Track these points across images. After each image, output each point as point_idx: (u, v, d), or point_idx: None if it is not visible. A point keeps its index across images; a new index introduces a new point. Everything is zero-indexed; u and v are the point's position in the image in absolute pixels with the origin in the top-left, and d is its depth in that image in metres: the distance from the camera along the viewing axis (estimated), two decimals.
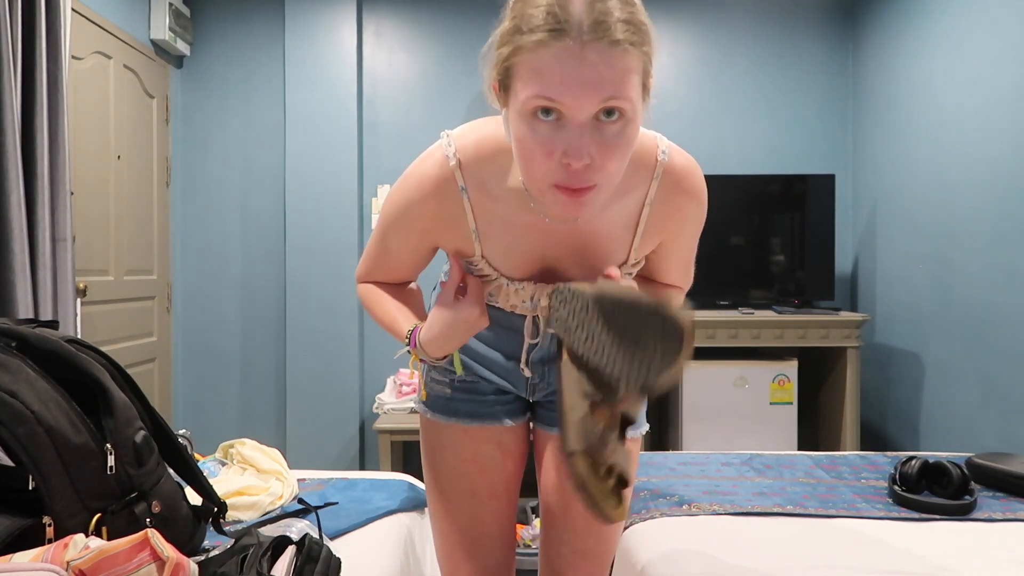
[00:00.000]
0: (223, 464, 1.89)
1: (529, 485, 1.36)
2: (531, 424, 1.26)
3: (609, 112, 0.78)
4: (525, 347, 1.13)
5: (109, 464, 1.08)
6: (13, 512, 1.02)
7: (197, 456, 1.85)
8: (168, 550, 0.93)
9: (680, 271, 1.14)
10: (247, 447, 1.83)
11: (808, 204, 3.35)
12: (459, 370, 1.13)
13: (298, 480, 1.86)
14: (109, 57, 3.00)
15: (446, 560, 1.24)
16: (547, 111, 0.78)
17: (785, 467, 1.99)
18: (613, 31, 0.76)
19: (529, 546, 2.55)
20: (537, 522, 2.55)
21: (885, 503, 1.70)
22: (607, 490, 0.89)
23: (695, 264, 1.20)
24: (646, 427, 1.23)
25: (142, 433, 1.14)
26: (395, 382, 3.34)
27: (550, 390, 1.18)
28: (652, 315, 0.81)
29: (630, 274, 1.09)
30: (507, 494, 1.22)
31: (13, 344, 1.10)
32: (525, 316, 1.11)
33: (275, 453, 1.83)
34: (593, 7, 0.76)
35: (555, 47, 0.74)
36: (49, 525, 1.02)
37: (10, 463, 1.06)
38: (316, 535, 1.32)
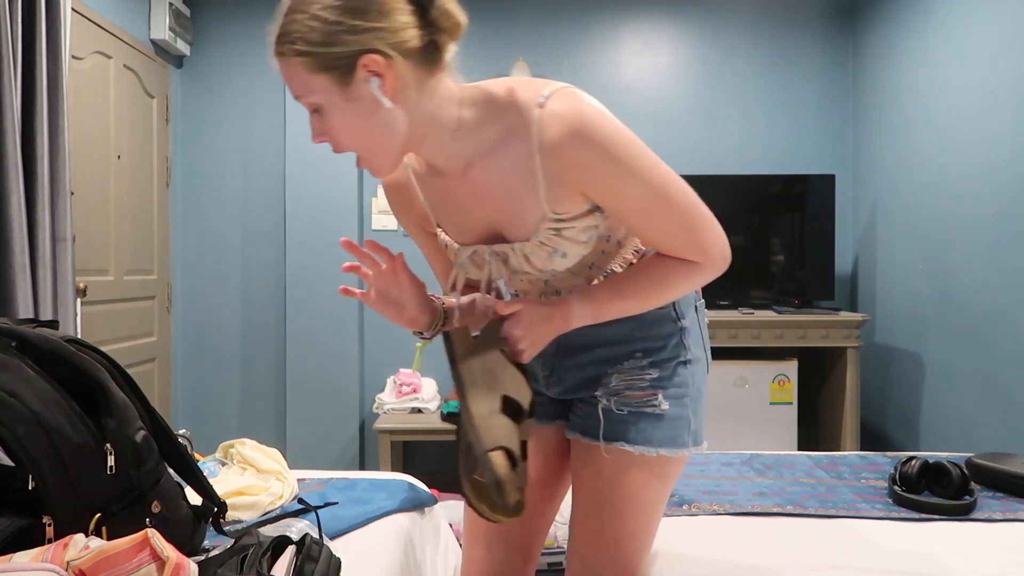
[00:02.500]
0: (223, 464, 1.89)
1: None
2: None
3: (307, 105, 0.94)
4: None
5: (109, 464, 1.08)
6: (13, 512, 1.02)
7: (197, 456, 1.85)
8: (168, 550, 0.93)
9: (668, 238, 1.00)
10: (247, 447, 1.83)
11: (808, 204, 3.35)
12: (413, 367, 1.17)
13: (298, 480, 1.86)
14: (109, 57, 3.00)
15: (465, 545, 1.29)
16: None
17: (785, 467, 1.99)
18: (276, 47, 0.93)
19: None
20: None
21: (885, 503, 1.70)
22: (516, 495, 0.97)
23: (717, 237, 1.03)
24: (704, 444, 1.19)
25: (142, 433, 1.14)
26: (395, 382, 3.34)
27: (564, 386, 1.18)
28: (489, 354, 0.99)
29: (556, 230, 1.00)
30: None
31: (13, 344, 1.10)
32: None
33: (275, 453, 1.83)
34: (279, 25, 0.93)
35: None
36: (49, 525, 1.02)
37: (10, 463, 1.06)
38: (316, 535, 1.32)
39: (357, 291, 1.08)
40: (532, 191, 0.98)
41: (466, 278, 1.13)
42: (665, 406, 1.11)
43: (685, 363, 1.14)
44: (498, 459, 0.96)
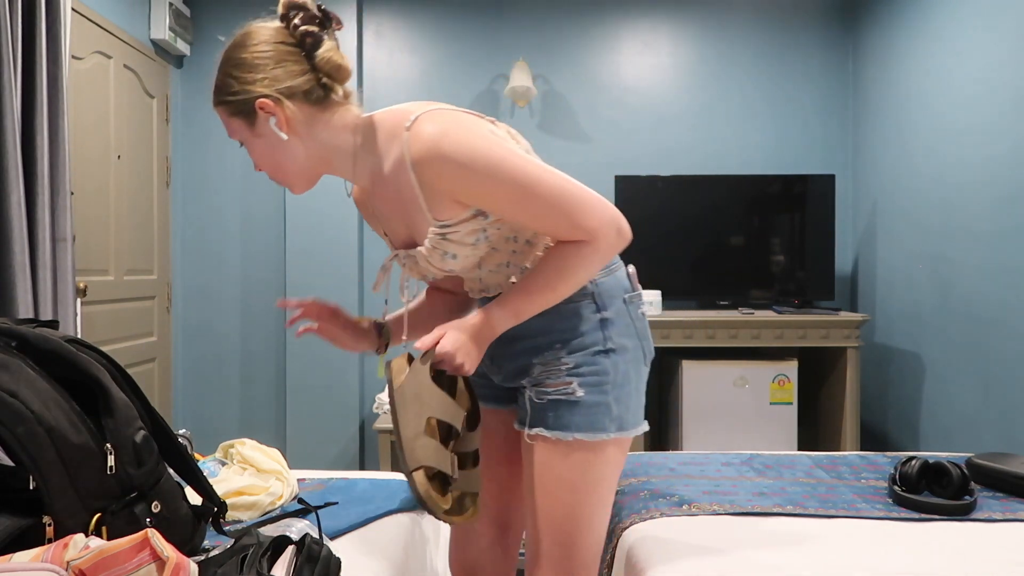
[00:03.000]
0: (223, 464, 1.89)
1: None
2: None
3: (239, 142, 1.17)
4: (406, 317, 1.36)
5: (109, 464, 1.08)
6: (13, 512, 1.02)
7: (197, 456, 1.85)
8: (168, 550, 0.93)
9: (548, 224, 1.11)
10: (247, 447, 1.83)
11: (808, 204, 3.36)
12: (379, 373, 1.29)
13: (298, 480, 1.86)
14: (109, 57, 3.00)
15: None
16: None
17: (785, 467, 1.99)
18: (213, 99, 1.16)
19: None
20: None
21: (885, 503, 1.70)
22: (445, 504, 1.12)
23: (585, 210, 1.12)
24: (645, 426, 1.27)
25: (142, 433, 1.14)
26: None
27: (503, 375, 1.31)
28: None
29: (441, 235, 1.14)
30: (488, 470, 1.38)
31: (13, 344, 1.10)
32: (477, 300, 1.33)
33: (275, 453, 1.83)
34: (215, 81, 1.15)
35: None
36: (49, 525, 1.02)
37: (10, 463, 1.06)
38: (316, 535, 1.32)
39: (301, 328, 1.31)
40: (416, 203, 1.13)
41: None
42: (580, 393, 1.19)
43: (606, 352, 1.21)
44: (419, 478, 1.09)
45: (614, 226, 1.11)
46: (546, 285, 1.12)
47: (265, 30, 1.12)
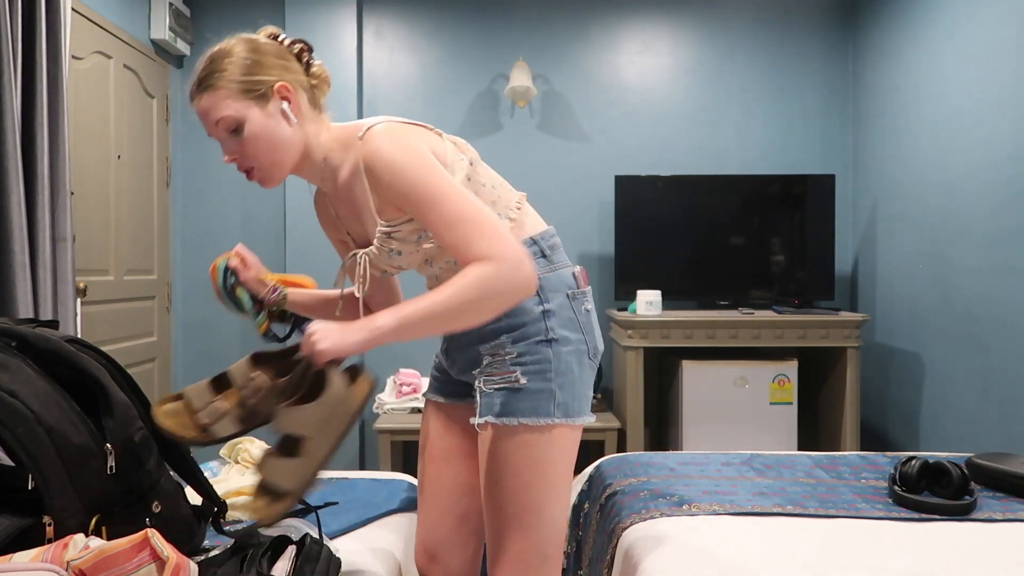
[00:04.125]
0: (224, 463, 1.89)
1: None
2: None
3: (228, 127, 1.20)
4: (360, 309, 1.40)
5: (109, 464, 1.08)
6: (13, 512, 1.02)
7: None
8: (168, 550, 0.93)
9: (447, 239, 1.15)
10: (255, 446, 1.83)
11: (808, 204, 3.36)
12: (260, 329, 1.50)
13: None
14: (109, 57, 3.00)
15: (418, 506, 1.50)
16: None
17: (785, 467, 1.99)
18: (204, 82, 1.20)
19: None
20: None
21: (885, 503, 1.70)
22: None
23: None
24: (591, 417, 1.33)
25: (141, 433, 1.14)
26: (395, 382, 3.34)
27: (457, 368, 1.38)
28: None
29: (387, 234, 1.24)
30: (446, 461, 1.44)
31: (13, 344, 1.10)
32: None
33: None
34: (201, 73, 1.20)
35: (195, 106, 1.23)
36: (49, 525, 1.02)
37: (10, 463, 1.06)
38: (316, 535, 1.32)
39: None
40: (367, 206, 1.24)
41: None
42: (523, 381, 1.24)
43: (548, 342, 1.26)
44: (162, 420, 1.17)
45: (513, 258, 1.13)
46: (447, 303, 1.13)
47: (263, 38, 1.26)
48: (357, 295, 1.36)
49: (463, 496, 1.44)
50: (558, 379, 1.25)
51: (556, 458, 1.27)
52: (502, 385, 1.25)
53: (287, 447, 1.11)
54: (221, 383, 1.21)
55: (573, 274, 1.32)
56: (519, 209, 1.31)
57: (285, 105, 1.22)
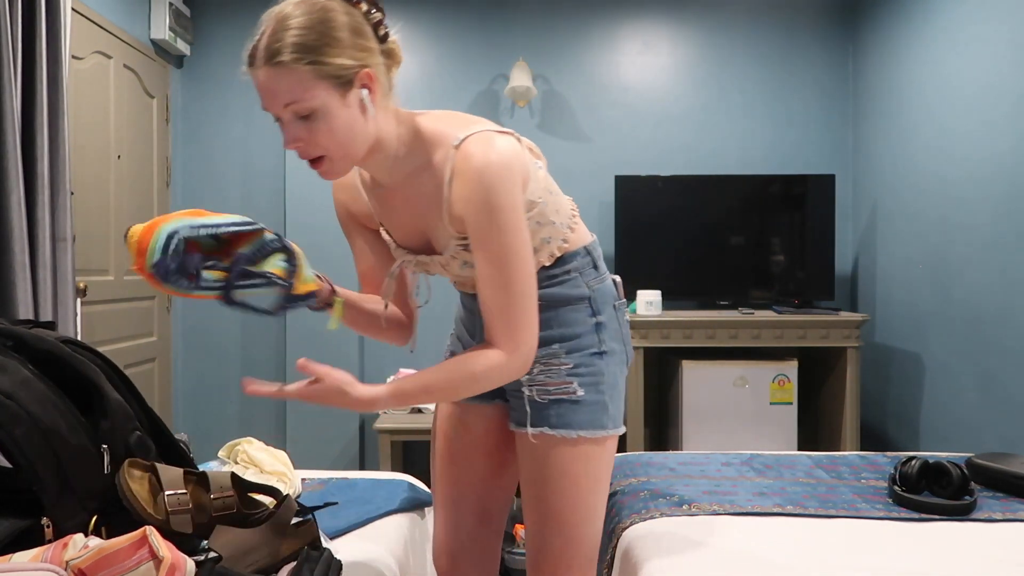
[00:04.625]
0: (224, 464, 1.89)
1: None
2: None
3: (299, 113, 1.04)
4: (414, 319, 1.36)
5: (106, 464, 1.08)
6: (12, 513, 1.02)
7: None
8: (164, 549, 0.93)
9: (492, 306, 1.11)
10: (254, 447, 1.82)
11: (808, 204, 3.35)
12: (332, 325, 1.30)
13: (300, 480, 1.85)
14: (109, 57, 3.00)
15: (434, 508, 1.46)
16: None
17: (785, 467, 1.99)
18: (272, 57, 1.02)
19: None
20: None
21: (885, 503, 1.70)
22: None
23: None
24: (623, 428, 1.31)
25: (137, 434, 1.14)
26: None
27: None
28: None
29: (463, 246, 1.16)
30: (466, 462, 1.40)
31: (9, 344, 1.10)
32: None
33: (282, 455, 1.82)
34: (268, 40, 1.03)
35: (252, 74, 1.05)
36: (48, 526, 1.02)
37: (8, 465, 1.06)
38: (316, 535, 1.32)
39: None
40: (438, 213, 1.16)
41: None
42: (581, 392, 1.24)
43: (600, 354, 1.26)
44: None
45: (525, 358, 1.12)
46: (446, 386, 1.13)
47: (343, 6, 1.06)
48: (413, 303, 1.30)
49: (484, 496, 1.42)
50: (609, 391, 1.26)
51: (605, 468, 1.28)
52: (559, 396, 1.24)
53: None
54: (194, 477, 1.20)
55: (614, 282, 1.32)
56: (574, 218, 1.28)
57: (365, 94, 1.07)
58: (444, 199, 1.13)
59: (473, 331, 1.36)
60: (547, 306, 1.24)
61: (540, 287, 1.21)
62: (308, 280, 1.23)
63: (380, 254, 1.35)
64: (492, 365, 1.11)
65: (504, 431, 1.38)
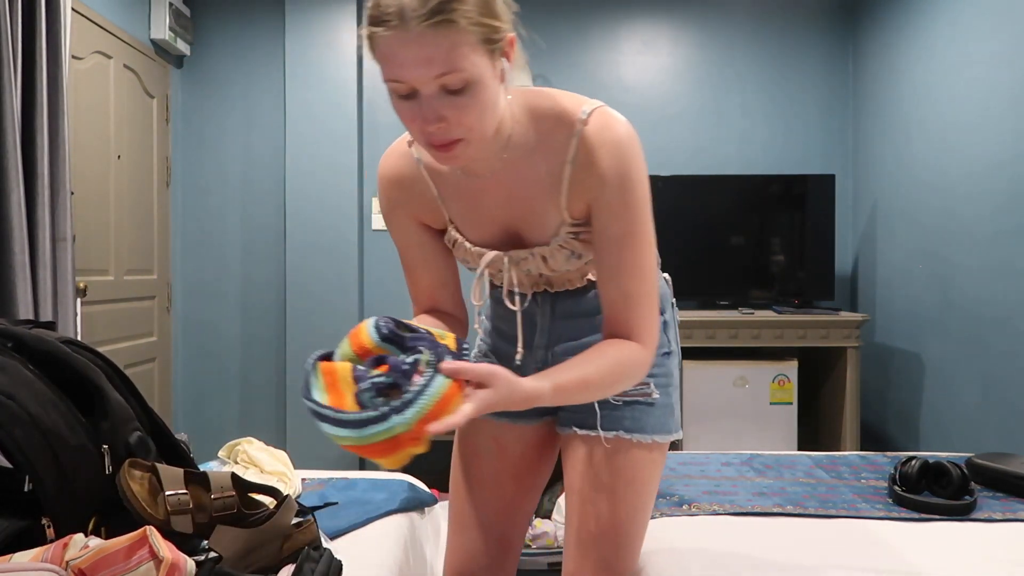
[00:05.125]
0: (223, 464, 1.89)
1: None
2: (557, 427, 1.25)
3: (452, 85, 0.86)
4: (519, 326, 1.16)
5: (107, 465, 1.08)
6: (12, 513, 1.02)
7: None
8: (164, 549, 0.93)
9: (622, 286, 1.00)
10: (254, 446, 1.82)
11: (808, 204, 3.35)
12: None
13: (300, 480, 1.85)
14: (109, 57, 3.00)
15: (448, 532, 1.34)
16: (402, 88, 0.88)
17: (785, 467, 1.99)
18: (437, 13, 0.83)
19: (529, 546, 2.55)
20: (538, 523, 2.55)
21: (885, 503, 1.70)
22: None
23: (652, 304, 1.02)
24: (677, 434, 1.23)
25: (137, 434, 1.14)
26: None
27: None
28: None
29: (574, 235, 1.05)
30: (496, 486, 1.28)
31: (9, 344, 1.10)
32: (527, 297, 1.18)
33: (282, 455, 1.82)
34: None
35: (391, 35, 0.84)
36: (48, 526, 1.02)
37: (8, 465, 1.06)
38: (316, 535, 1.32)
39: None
40: (555, 198, 1.03)
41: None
42: (656, 395, 1.17)
43: (668, 354, 1.20)
44: None
45: (654, 349, 1.03)
46: (601, 381, 1.00)
47: None
48: (514, 307, 1.14)
49: (508, 521, 1.32)
50: (675, 392, 1.21)
51: (661, 471, 1.22)
52: (636, 398, 1.16)
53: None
54: (195, 477, 1.19)
55: (666, 279, 1.26)
56: None
57: (506, 64, 0.92)
58: (563, 180, 1.01)
59: (513, 339, 1.19)
60: None
61: None
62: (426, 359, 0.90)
63: (438, 260, 1.17)
64: (637, 360, 1.01)
65: (540, 452, 1.29)
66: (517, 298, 1.14)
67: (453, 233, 1.14)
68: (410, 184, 1.11)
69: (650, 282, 1.02)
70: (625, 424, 1.15)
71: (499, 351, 1.27)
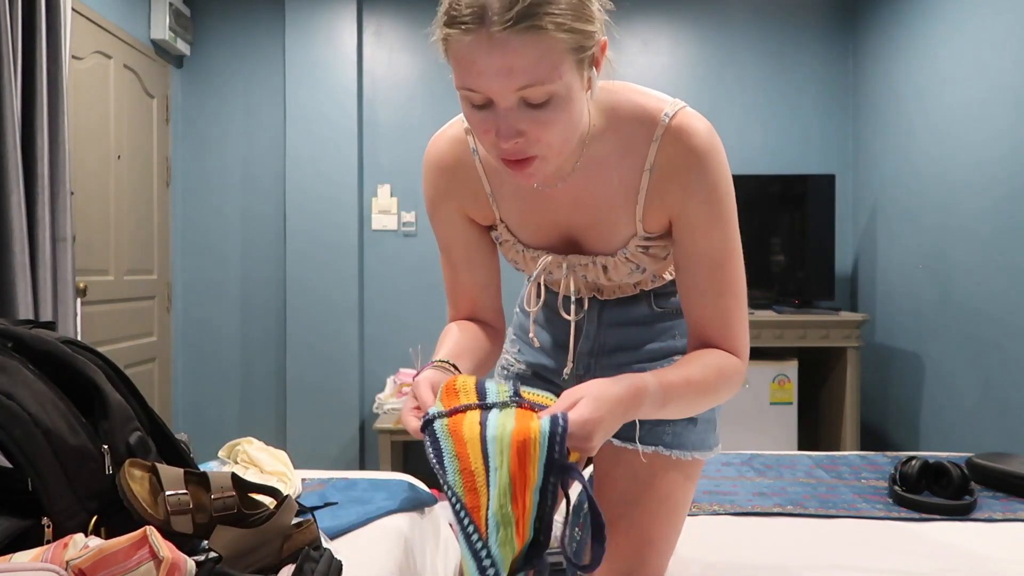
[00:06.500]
0: (223, 464, 1.88)
1: None
2: None
3: (536, 98, 0.78)
4: (572, 335, 1.10)
5: (107, 465, 1.07)
6: (12, 514, 1.02)
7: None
8: (164, 549, 0.93)
9: (712, 304, 0.93)
10: (254, 446, 1.82)
11: (808, 204, 3.35)
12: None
13: (300, 480, 1.85)
14: (109, 57, 3.00)
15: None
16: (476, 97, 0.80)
17: (785, 467, 1.99)
18: (525, 18, 0.74)
19: None
20: None
21: (885, 503, 1.70)
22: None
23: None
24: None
25: (137, 434, 1.14)
26: (395, 382, 3.34)
27: None
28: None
29: (644, 248, 0.98)
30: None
31: (9, 344, 1.10)
32: (569, 298, 1.09)
33: (282, 455, 1.81)
34: None
35: (469, 38, 0.75)
36: (48, 526, 1.01)
37: (8, 465, 1.06)
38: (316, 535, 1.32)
39: None
40: (630, 208, 0.95)
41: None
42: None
43: None
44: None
45: (747, 354, 0.96)
46: (705, 381, 0.90)
47: None
48: (569, 316, 1.06)
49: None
50: (719, 406, 1.12)
51: (695, 488, 1.16)
52: None
53: None
54: (195, 477, 1.18)
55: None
56: None
57: (594, 73, 0.84)
58: (640, 189, 0.92)
59: (551, 349, 1.14)
60: (672, 314, 1.12)
61: (669, 296, 1.11)
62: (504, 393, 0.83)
63: (483, 260, 1.09)
64: (738, 370, 0.93)
65: None
66: (573, 307, 1.05)
67: (504, 233, 1.05)
68: (460, 174, 1.02)
69: (743, 297, 0.95)
70: (666, 440, 1.09)
71: (534, 362, 1.19)
